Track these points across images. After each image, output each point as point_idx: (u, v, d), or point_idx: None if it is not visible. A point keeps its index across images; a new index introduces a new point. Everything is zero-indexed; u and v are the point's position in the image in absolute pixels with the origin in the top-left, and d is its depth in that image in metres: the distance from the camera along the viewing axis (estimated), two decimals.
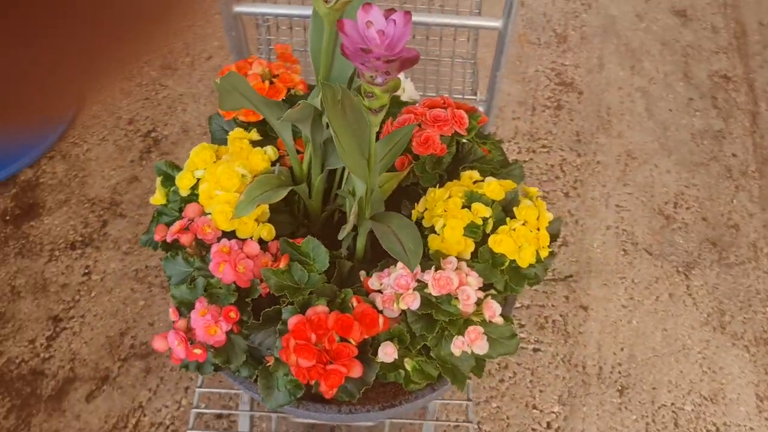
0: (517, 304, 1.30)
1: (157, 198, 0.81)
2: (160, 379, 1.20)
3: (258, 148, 0.79)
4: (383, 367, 0.71)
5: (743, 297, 1.33)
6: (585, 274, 1.35)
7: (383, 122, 0.85)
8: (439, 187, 0.80)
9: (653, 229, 1.43)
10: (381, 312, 0.71)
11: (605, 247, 1.40)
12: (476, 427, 1.14)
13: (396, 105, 0.90)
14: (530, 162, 1.54)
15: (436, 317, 0.70)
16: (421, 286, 0.71)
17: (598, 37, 1.85)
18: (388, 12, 0.56)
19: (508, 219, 0.76)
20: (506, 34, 1.02)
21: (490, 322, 0.71)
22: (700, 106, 1.68)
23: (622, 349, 1.26)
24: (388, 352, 0.69)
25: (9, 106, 0.22)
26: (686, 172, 1.54)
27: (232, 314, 0.69)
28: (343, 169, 0.79)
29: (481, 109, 1.17)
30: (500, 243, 0.74)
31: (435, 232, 0.76)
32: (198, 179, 0.78)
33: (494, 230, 0.75)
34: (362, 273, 0.75)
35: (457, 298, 0.70)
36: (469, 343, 0.69)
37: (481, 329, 0.69)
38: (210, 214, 0.75)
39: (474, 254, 0.76)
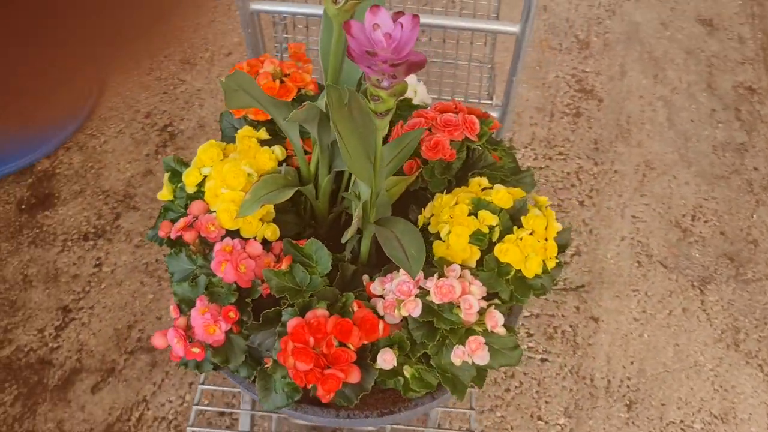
0: (527, 313, 1.29)
1: (164, 194, 0.81)
2: (165, 373, 1.20)
3: (266, 147, 0.78)
4: (382, 374, 0.70)
5: (759, 314, 1.30)
6: (597, 285, 1.33)
7: (393, 125, 0.84)
8: (447, 192, 0.79)
9: (669, 242, 1.41)
10: (382, 318, 0.70)
11: (619, 258, 1.38)
12: None
13: (407, 108, 0.89)
14: (546, 169, 1.52)
15: (438, 325, 0.69)
16: (423, 293, 0.70)
17: (621, 44, 1.82)
18: (397, 15, 0.55)
19: (515, 228, 0.74)
20: (523, 39, 1.00)
21: (492, 332, 0.70)
22: (723, 117, 1.65)
23: (632, 363, 1.24)
24: (387, 359, 0.68)
25: (27, 99, 0.22)
26: (706, 184, 1.51)
27: (232, 314, 0.69)
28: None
29: (496, 114, 1.16)
30: (506, 252, 0.73)
31: (440, 239, 0.75)
32: (205, 176, 0.78)
33: (501, 239, 0.74)
34: (365, 277, 0.74)
35: (459, 306, 0.69)
36: (470, 353, 0.68)
37: (482, 339, 0.68)
38: (215, 212, 0.75)
39: (479, 262, 0.75)
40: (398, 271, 0.71)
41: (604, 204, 1.46)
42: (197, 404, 0.99)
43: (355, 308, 0.69)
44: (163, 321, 1.27)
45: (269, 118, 0.82)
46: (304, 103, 0.62)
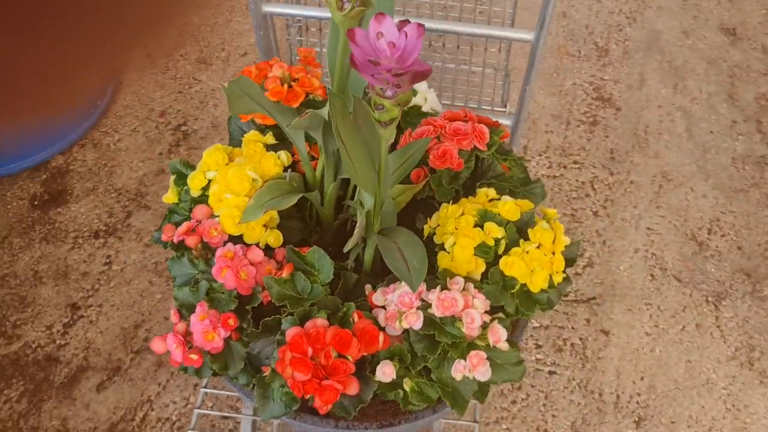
0: (536, 324, 1.27)
1: (170, 196, 0.81)
2: (171, 374, 1.20)
3: (271, 153, 0.78)
4: (381, 386, 0.69)
5: None
6: (609, 298, 1.31)
7: (402, 132, 0.83)
8: (454, 202, 0.77)
9: (684, 255, 1.38)
10: (383, 329, 0.69)
11: (632, 271, 1.35)
12: None
13: (417, 115, 0.88)
14: (560, 178, 1.50)
15: (439, 339, 0.67)
16: (425, 305, 0.68)
17: (641, 52, 1.79)
18: (402, 23, 0.54)
19: (521, 241, 0.73)
20: (538, 47, 0.99)
21: (495, 347, 0.68)
22: (743, 129, 1.62)
23: (642, 379, 1.21)
24: (386, 372, 0.67)
25: (43, 91, 0.23)
26: (724, 197, 1.48)
27: (231, 321, 0.68)
28: None
29: (509, 122, 1.14)
30: (512, 265, 0.71)
31: (445, 250, 0.74)
32: (209, 180, 0.77)
33: (507, 251, 0.73)
34: (368, 286, 0.73)
35: (461, 320, 0.67)
36: (471, 368, 0.66)
37: (484, 355, 0.67)
38: (218, 216, 0.74)
39: (484, 275, 0.74)
40: (401, 282, 0.69)
41: (618, 215, 1.44)
42: (199, 407, 0.98)
43: (356, 319, 0.68)
44: (170, 321, 1.26)
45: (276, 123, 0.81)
46: (307, 110, 0.61)
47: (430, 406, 0.72)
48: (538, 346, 1.24)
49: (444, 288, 0.69)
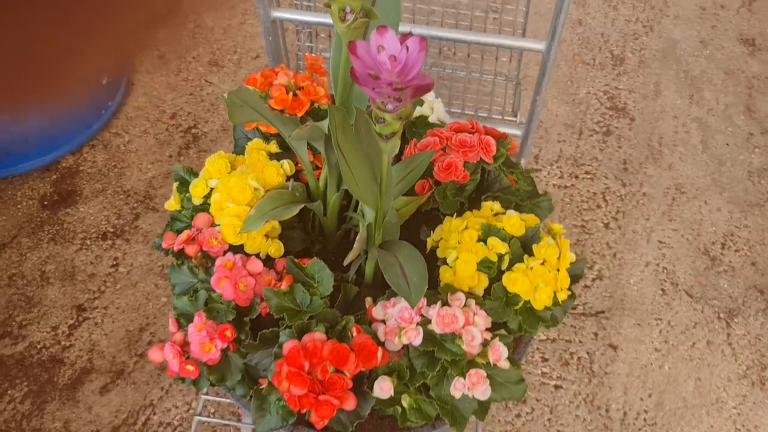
0: (542, 337, 1.25)
1: (172, 203, 0.80)
2: (174, 378, 1.20)
3: (274, 162, 0.77)
4: (379, 402, 0.68)
5: None
6: (618, 312, 1.29)
7: (406, 143, 0.82)
8: (459, 215, 0.76)
9: (696, 270, 1.36)
10: (382, 344, 0.68)
11: (642, 285, 1.33)
12: None
13: (423, 126, 0.86)
14: (571, 188, 1.48)
15: (438, 355, 0.66)
16: (425, 321, 0.67)
17: (658, 61, 1.77)
18: (405, 37, 0.53)
19: (526, 256, 0.72)
20: (549, 58, 0.97)
21: (495, 365, 0.67)
22: (760, 142, 1.59)
23: (650, 395, 1.19)
24: (384, 388, 0.66)
25: (44, 76, 0.23)
26: (738, 211, 1.45)
27: (228, 333, 0.67)
28: None
29: (519, 132, 1.13)
30: (515, 282, 0.70)
31: (448, 264, 0.72)
32: (211, 188, 0.76)
33: (510, 267, 0.71)
34: (368, 299, 0.72)
35: (461, 337, 0.66)
36: (470, 386, 0.65)
37: (483, 373, 0.66)
38: (219, 225, 0.74)
39: (487, 290, 0.72)
40: (401, 297, 0.68)
41: (629, 227, 1.42)
42: (199, 414, 0.98)
43: (354, 333, 0.67)
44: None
45: None
46: (307, 122, 0.60)
47: (429, 423, 0.70)
48: (545, 359, 1.22)
49: (445, 304, 0.68)
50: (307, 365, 0.64)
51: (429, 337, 0.67)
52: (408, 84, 0.52)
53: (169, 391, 1.19)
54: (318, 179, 0.78)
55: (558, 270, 0.72)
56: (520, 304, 0.71)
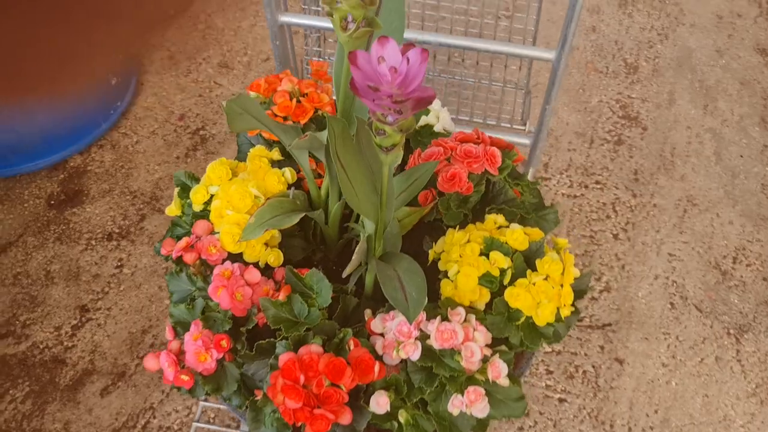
0: (547, 349, 1.23)
1: (173, 209, 0.80)
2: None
3: (275, 169, 0.76)
4: (375, 417, 0.66)
5: None
6: (625, 325, 1.27)
7: (411, 153, 0.81)
8: (462, 227, 0.75)
9: (707, 284, 1.33)
10: (380, 357, 0.67)
11: (651, 298, 1.31)
12: None
13: (428, 135, 0.85)
14: (580, 198, 1.46)
15: (437, 371, 0.65)
16: (424, 335, 0.66)
17: (672, 70, 1.74)
18: (407, 47, 0.51)
19: (528, 271, 0.70)
20: (559, 67, 0.96)
21: (495, 382, 0.66)
22: None
23: (656, 412, 1.17)
24: (380, 403, 0.65)
25: (50, 71, 0.23)
26: (751, 225, 1.43)
27: (224, 343, 0.66)
28: None
29: (528, 141, 1.11)
30: (517, 297, 0.69)
31: (449, 278, 0.71)
32: (212, 195, 0.76)
33: (512, 282, 0.70)
34: (368, 311, 0.71)
35: (460, 353, 0.65)
36: (468, 404, 0.64)
37: (482, 390, 0.64)
38: (218, 233, 0.73)
39: (489, 305, 0.71)
40: None
41: (639, 239, 1.40)
42: (197, 421, 0.97)
43: (352, 346, 0.65)
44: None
45: None
46: (306, 133, 0.59)
47: None
48: (549, 372, 1.21)
49: (444, 318, 0.66)
50: (302, 378, 0.63)
51: (427, 352, 0.66)
52: (408, 96, 0.50)
53: (170, 395, 1.18)
54: (320, 188, 0.77)
55: (561, 285, 0.70)
56: (522, 320, 0.70)
